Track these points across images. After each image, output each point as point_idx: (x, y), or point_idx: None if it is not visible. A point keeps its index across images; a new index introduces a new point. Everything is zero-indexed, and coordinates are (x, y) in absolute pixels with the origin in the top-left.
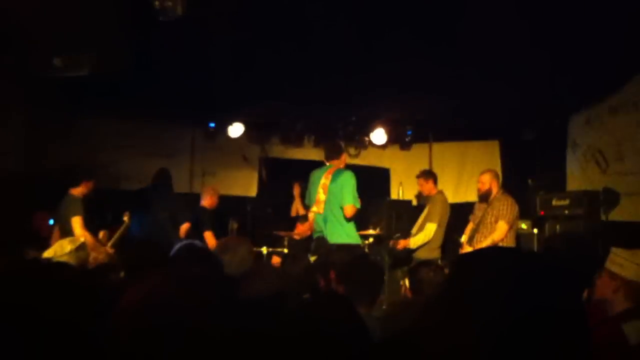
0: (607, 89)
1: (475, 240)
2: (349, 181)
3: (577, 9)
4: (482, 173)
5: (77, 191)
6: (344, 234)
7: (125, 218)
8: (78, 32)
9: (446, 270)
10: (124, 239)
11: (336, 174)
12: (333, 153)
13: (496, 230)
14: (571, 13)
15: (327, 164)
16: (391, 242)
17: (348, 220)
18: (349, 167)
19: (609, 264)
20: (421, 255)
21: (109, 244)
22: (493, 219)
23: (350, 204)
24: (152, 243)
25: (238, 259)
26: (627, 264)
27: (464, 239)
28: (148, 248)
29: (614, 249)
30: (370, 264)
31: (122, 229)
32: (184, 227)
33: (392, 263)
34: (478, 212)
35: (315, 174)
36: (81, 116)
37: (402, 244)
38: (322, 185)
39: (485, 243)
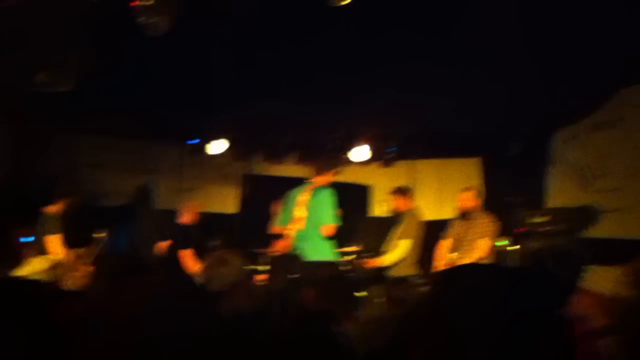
0: (591, 105)
1: (458, 258)
2: (329, 199)
3: (562, 26)
4: (464, 191)
5: (54, 209)
6: (324, 251)
7: (102, 235)
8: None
9: (423, 288)
10: (102, 255)
11: (317, 191)
12: (324, 168)
13: (481, 247)
14: (555, 29)
15: (311, 180)
16: (355, 263)
17: (328, 237)
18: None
19: (586, 282)
20: (398, 272)
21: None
22: (476, 237)
23: (330, 223)
24: (133, 254)
25: (229, 273)
26: (601, 281)
27: (454, 256)
28: (129, 258)
29: (590, 267)
30: (346, 281)
31: (99, 245)
32: (165, 244)
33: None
34: (457, 228)
35: (293, 192)
36: (59, 131)
37: (370, 263)
38: (301, 202)
39: (471, 260)
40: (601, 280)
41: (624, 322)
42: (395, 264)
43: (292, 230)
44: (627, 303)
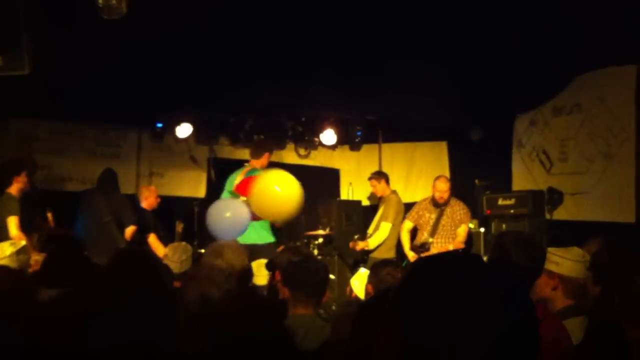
0: (551, 90)
1: (435, 243)
2: None
3: (523, 13)
4: (440, 180)
5: (13, 189)
6: (254, 235)
7: (49, 215)
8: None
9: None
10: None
11: (249, 174)
12: (256, 152)
13: (460, 234)
14: (517, 17)
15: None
16: (351, 244)
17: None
18: (299, 167)
19: (546, 263)
20: (378, 255)
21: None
22: (453, 223)
23: None
24: (72, 247)
25: (227, 266)
26: (562, 261)
27: (432, 240)
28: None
29: (550, 249)
30: (314, 265)
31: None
32: (130, 230)
33: (351, 263)
34: (428, 213)
35: (231, 175)
36: (15, 115)
37: (360, 245)
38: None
39: (452, 246)
40: (559, 261)
41: (583, 303)
42: (377, 247)
43: None
44: (584, 284)
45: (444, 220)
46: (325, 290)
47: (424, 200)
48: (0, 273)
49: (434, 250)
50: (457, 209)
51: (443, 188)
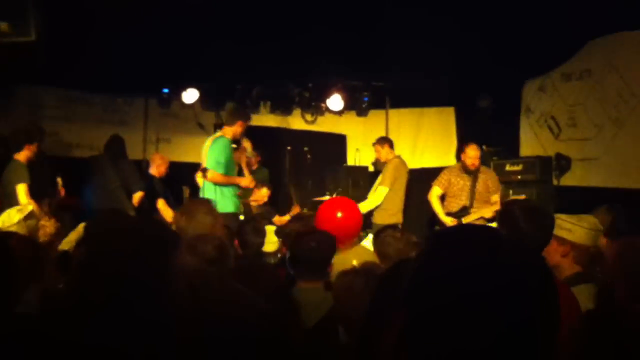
0: (560, 56)
1: (475, 209)
2: (217, 147)
3: None
4: (471, 147)
5: (22, 156)
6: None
7: (59, 182)
8: None
9: (412, 238)
10: (64, 207)
11: (215, 141)
12: (228, 119)
13: (497, 200)
14: None
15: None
16: None
17: (218, 185)
18: (305, 133)
19: (556, 230)
20: (379, 220)
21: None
22: (487, 190)
23: (210, 167)
24: (115, 211)
25: (193, 224)
26: (575, 228)
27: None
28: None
29: (558, 215)
30: (315, 239)
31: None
32: (137, 195)
33: None
34: (461, 180)
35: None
36: (23, 84)
37: None
38: (204, 152)
39: (488, 213)
40: (571, 228)
41: (592, 270)
42: (373, 211)
43: (198, 179)
44: (595, 252)
45: (479, 186)
46: (329, 263)
47: (453, 167)
48: (12, 240)
49: (473, 215)
50: (491, 176)
51: (475, 155)
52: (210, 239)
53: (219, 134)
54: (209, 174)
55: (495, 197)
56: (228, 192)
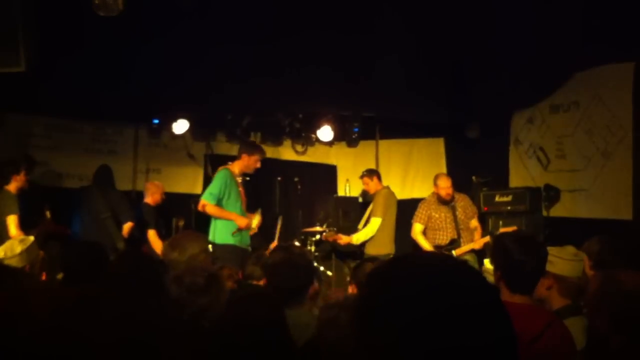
0: (548, 88)
1: (462, 241)
2: (215, 178)
3: (521, 10)
4: (441, 178)
5: (11, 187)
6: (212, 232)
7: (47, 213)
8: None
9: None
10: (53, 236)
11: (217, 172)
12: (238, 154)
13: (477, 228)
14: (515, 13)
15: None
16: (324, 236)
17: (213, 217)
18: (296, 163)
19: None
20: (370, 251)
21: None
22: (467, 217)
23: (203, 197)
24: (93, 244)
25: (186, 258)
26: (556, 260)
27: (456, 252)
28: (90, 249)
29: (548, 248)
30: (293, 262)
31: (46, 226)
32: (127, 226)
33: (337, 256)
34: (437, 213)
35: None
36: (12, 112)
37: (344, 240)
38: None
39: (478, 245)
40: (552, 260)
41: (580, 302)
42: (366, 242)
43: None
44: (582, 284)
45: (459, 214)
46: (307, 290)
47: (425, 201)
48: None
49: (464, 247)
50: (467, 202)
51: (447, 184)
52: (199, 271)
53: (222, 167)
54: (200, 203)
55: (474, 222)
56: (222, 224)
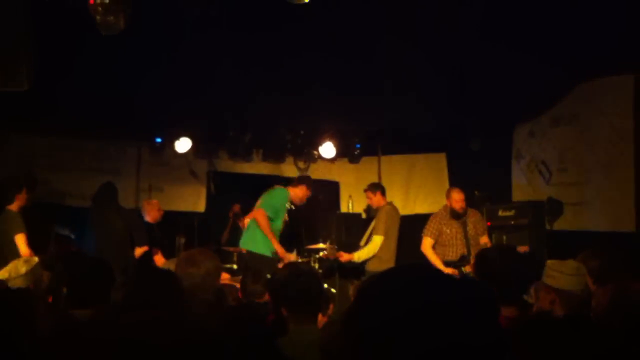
0: (548, 101)
1: (471, 258)
2: (276, 192)
3: (521, 23)
4: (455, 191)
5: (14, 206)
6: (252, 241)
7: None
8: None
9: None
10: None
11: (275, 189)
12: (297, 182)
13: (487, 244)
14: (514, 27)
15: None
16: (323, 254)
17: (255, 226)
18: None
19: (544, 277)
20: (373, 267)
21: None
22: (477, 232)
23: (261, 206)
24: (98, 260)
25: (203, 273)
26: (558, 275)
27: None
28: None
29: (548, 262)
30: (306, 280)
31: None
32: (140, 249)
33: (340, 274)
34: (448, 228)
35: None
36: (15, 132)
37: (345, 257)
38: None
39: None
40: (554, 275)
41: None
42: (368, 259)
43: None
44: (581, 297)
45: (470, 230)
46: (319, 302)
47: (437, 215)
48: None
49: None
50: (478, 218)
51: (461, 197)
52: (209, 286)
53: (276, 186)
54: (256, 210)
55: (484, 239)
56: (263, 236)
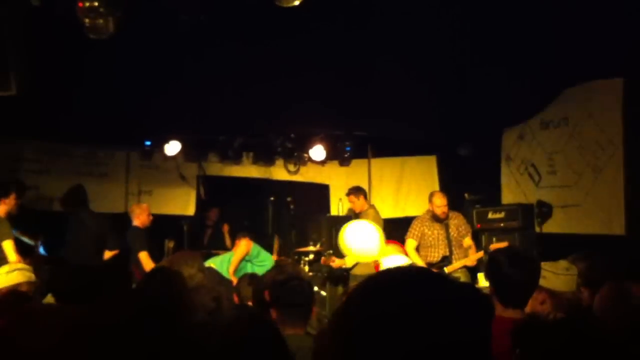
0: (537, 104)
1: (456, 255)
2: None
3: (509, 28)
4: (436, 196)
5: (1, 211)
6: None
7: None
8: None
9: None
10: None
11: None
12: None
13: (471, 247)
14: (503, 31)
15: None
16: (323, 259)
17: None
18: (289, 183)
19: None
20: (358, 271)
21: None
22: (459, 235)
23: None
24: (82, 267)
25: (186, 276)
26: (548, 275)
27: (448, 269)
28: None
29: (540, 263)
30: (298, 283)
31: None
32: (110, 254)
33: (331, 280)
34: (430, 230)
35: None
36: (2, 135)
37: (337, 262)
38: None
39: (470, 262)
40: (545, 275)
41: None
42: (357, 264)
43: None
44: (573, 299)
45: (452, 232)
46: (312, 308)
47: (419, 218)
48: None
49: (456, 264)
50: (461, 222)
51: (443, 202)
52: (208, 291)
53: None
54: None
55: (468, 241)
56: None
